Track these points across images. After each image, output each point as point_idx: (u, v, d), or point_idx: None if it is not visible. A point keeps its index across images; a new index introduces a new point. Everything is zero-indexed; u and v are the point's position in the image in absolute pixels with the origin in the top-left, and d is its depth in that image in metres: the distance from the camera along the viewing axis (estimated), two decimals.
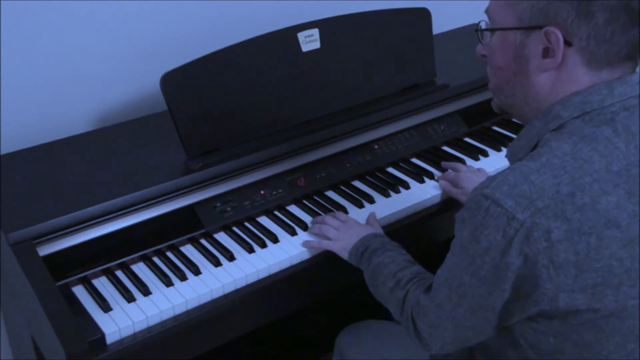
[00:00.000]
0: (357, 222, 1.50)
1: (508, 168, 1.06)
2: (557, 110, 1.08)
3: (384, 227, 1.57)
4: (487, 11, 1.15)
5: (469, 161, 1.79)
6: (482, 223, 1.03)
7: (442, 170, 1.73)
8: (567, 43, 1.05)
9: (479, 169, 1.71)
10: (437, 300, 1.14)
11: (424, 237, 1.68)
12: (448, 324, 1.13)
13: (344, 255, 1.43)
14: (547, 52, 1.07)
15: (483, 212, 1.03)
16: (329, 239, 1.47)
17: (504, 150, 1.83)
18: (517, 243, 1.00)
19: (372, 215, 1.55)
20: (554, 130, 1.08)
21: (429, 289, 1.20)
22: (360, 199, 1.63)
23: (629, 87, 1.07)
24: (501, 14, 1.11)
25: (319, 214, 1.57)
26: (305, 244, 1.48)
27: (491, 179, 1.05)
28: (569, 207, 1.00)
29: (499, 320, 1.10)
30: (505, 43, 1.12)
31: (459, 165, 1.72)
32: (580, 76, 1.07)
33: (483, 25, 1.16)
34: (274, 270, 1.45)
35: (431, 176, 1.72)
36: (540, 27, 1.06)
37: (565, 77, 1.08)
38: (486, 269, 1.04)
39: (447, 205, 1.65)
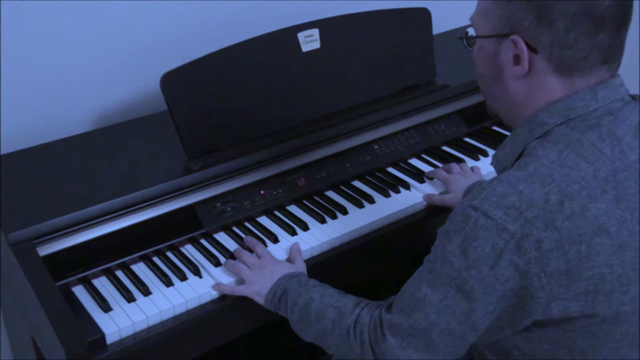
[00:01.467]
0: (274, 260, 1.41)
1: (495, 179, 1.05)
2: (542, 117, 1.08)
3: (383, 227, 1.57)
4: (471, 19, 1.16)
5: (469, 161, 1.79)
6: (470, 235, 1.02)
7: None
8: (533, 50, 1.05)
9: (472, 168, 1.70)
10: (411, 320, 1.08)
11: (424, 238, 1.68)
12: (419, 344, 1.08)
13: (259, 300, 1.34)
14: (517, 60, 1.08)
15: (472, 224, 1.01)
16: (243, 280, 1.38)
17: None
18: (508, 254, 1.00)
19: (295, 249, 1.46)
20: (539, 137, 1.08)
21: (389, 308, 1.14)
22: (360, 199, 1.63)
23: (611, 90, 1.07)
24: (480, 23, 1.13)
25: (319, 214, 1.57)
26: (216, 287, 1.37)
27: (479, 190, 1.04)
28: (558, 216, 1.00)
29: (487, 336, 1.09)
30: (482, 51, 1.13)
31: (452, 165, 1.71)
32: (551, 83, 1.07)
33: (469, 32, 1.17)
34: None
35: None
36: (507, 35, 1.07)
37: (536, 83, 1.08)
38: (472, 283, 1.02)
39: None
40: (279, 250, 1.48)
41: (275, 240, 1.51)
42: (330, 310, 1.21)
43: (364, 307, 1.19)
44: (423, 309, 1.07)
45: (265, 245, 1.49)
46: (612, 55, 1.05)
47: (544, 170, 1.02)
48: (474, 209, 1.02)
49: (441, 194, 1.64)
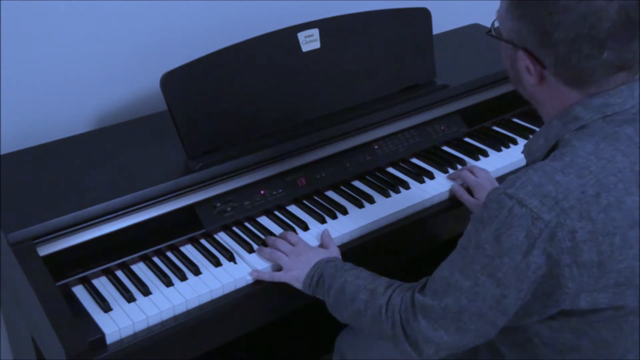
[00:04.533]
0: (309, 246, 1.44)
1: (530, 168, 1.06)
2: (577, 112, 1.08)
3: (383, 228, 1.58)
4: (497, 12, 1.16)
5: (469, 161, 1.79)
6: (504, 223, 1.02)
7: (443, 170, 1.73)
8: (542, 65, 1.07)
9: (493, 180, 1.67)
10: (443, 303, 1.10)
11: (424, 237, 1.68)
12: (451, 327, 1.10)
13: (298, 285, 1.38)
14: (529, 70, 1.10)
15: (506, 212, 1.02)
16: (280, 266, 1.41)
17: (504, 150, 1.83)
18: (541, 243, 1.00)
19: (326, 235, 1.48)
20: (574, 130, 1.08)
21: (422, 289, 1.16)
22: (360, 199, 1.63)
23: None
24: (501, 22, 1.14)
25: (319, 214, 1.57)
26: (254, 274, 1.40)
27: (514, 179, 1.05)
28: (594, 207, 1.00)
29: (515, 320, 1.10)
30: (504, 50, 1.15)
31: (478, 169, 1.68)
32: (566, 92, 1.08)
33: (496, 24, 1.18)
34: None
35: (431, 176, 1.72)
36: (518, 47, 1.09)
37: (553, 92, 1.09)
38: (505, 270, 1.03)
39: (448, 205, 1.65)
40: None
41: None
42: (364, 292, 1.24)
43: (396, 289, 1.21)
44: (454, 293, 1.09)
45: (265, 246, 1.49)
46: (627, 62, 1.05)
47: (581, 161, 1.03)
48: (509, 197, 1.03)
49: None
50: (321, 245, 1.47)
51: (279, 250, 1.43)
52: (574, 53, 1.03)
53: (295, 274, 1.38)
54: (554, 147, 1.10)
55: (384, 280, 1.26)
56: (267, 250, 1.45)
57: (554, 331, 1.08)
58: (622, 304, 1.03)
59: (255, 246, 1.49)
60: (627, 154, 1.03)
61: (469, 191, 1.63)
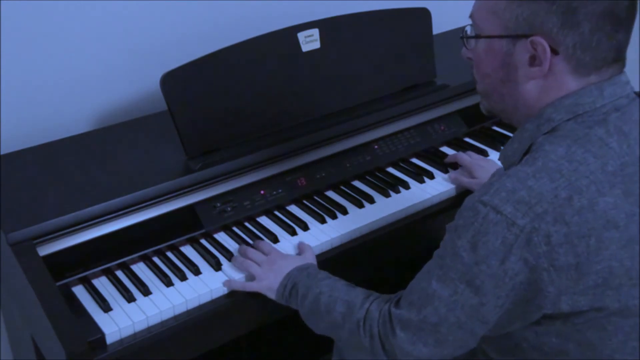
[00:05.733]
0: (282, 254, 1.41)
1: (504, 174, 1.05)
2: (549, 113, 1.08)
3: (383, 228, 1.58)
4: (471, 16, 1.14)
5: None
6: (480, 230, 1.02)
7: (443, 170, 1.73)
8: (554, 51, 1.05)
9: (487, 159, 1.72)
10: (422, 315, 1.09)
11: (423, 238, 1.68)
12: (429, 338, 1.09)
13: (271, 295, 1.35)
14: (533, 60, 1.07)
15: (481, 220, 1.02)
16: (253, 276, 1.39)
17: None
18: (517, 249, 1.00)
19: (301, 243, 1.46)
20: (547, 133, 1.08)
21: (398, 302, 1.15)
22: (360, 199, 1.63)
23: (618, 87, 1.07)
24: (486, 21, 1.10)
25: (319, 214, 1.57)
26: (227, 283, 1.38)
27: (488, 186, 1.04)
28: (567, 210, 1.00)
29: (498, 329, 1.09)
30: (491, 50, 1.11)
31: (470, 152, 1.73)
32: (568, 82, 1.07)
33: (469, 30, 1.15)
34: None
35: (431, 176, 1.72)
36: (526, 36, 1.06)
37: (553, 84, 1.08)
38: (482, 277, 1.03)
39: (448, 205, 1.65)
40: (280, 250, 1.48)
41: (275, 240, 1.51)
42: (340, 304, 1.22)
43: (373, 302, 1.20)
44: (433, 303, 1.08)
45: None
46: (623, 52, 1.06)
47: (553, 165, 1.02)
48: (483, 204, 1.02)
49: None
50: (299, 252, 1.45)
51: (250, 259, 1.41)
52: (597, 32, 1.02)
53: (268, 284, 1.36)
54: (528, 151, 1.10)
55: (360, 292, 1.24)
56: (239, 259, 1.43)
57: (540, 336, 1.08)
58: (601, 305, 1.03)
59: None
60: (598, 155, 1.03)
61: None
